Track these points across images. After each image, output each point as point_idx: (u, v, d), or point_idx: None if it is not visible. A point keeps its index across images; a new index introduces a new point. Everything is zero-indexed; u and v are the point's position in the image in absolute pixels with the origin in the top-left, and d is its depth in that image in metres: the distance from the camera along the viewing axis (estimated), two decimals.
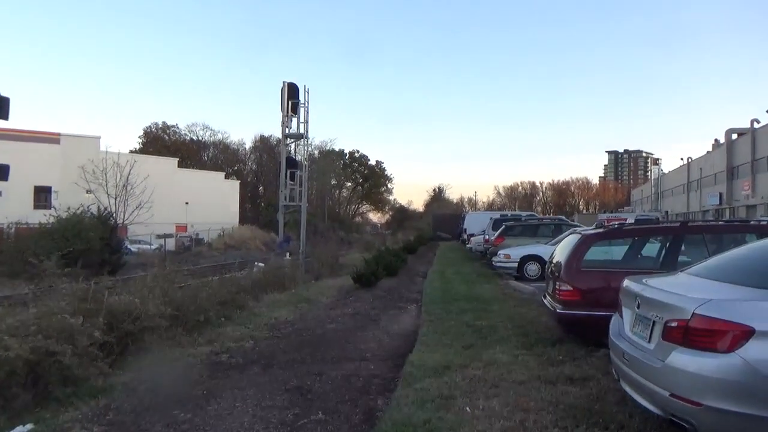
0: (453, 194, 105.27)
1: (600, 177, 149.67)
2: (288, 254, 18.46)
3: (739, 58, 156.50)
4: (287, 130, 17.75)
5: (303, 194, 18.01)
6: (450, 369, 5.91)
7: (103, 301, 6.48)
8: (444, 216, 64.57)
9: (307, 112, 17.93)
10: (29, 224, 26.27)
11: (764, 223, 7.53)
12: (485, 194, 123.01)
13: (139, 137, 72.72)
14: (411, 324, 9.32)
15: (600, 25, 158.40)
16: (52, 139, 42.94)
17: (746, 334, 3.29)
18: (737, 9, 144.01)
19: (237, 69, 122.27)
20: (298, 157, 19.91)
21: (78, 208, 25.19)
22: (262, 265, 15.65)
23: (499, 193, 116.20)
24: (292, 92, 17.31)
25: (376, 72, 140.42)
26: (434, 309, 10.30)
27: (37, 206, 36.88)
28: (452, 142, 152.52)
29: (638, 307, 4.19)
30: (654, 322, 3.90)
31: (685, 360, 3.48)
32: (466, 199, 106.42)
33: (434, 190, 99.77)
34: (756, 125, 46.11)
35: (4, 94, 19.98)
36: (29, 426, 4.62)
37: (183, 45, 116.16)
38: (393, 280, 15.06)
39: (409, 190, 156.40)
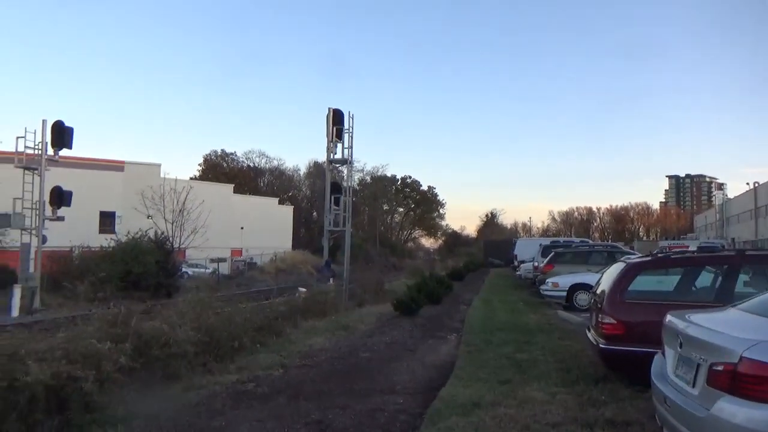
0: (506, 219, 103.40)
1: (661, 202, 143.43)
2: (331, 280, 18.40)
3: None
4: (332, 155, 17.88)
5: (347, 219, 17.95)
6: (480, 406, 5.55)
7: (131, 325, 6.49)
8: (496, 242, 63.33)
9: (352, 138, 18.02)
10: (91, 247, 27.46)
11: None
12: (540, 220, 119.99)
13: (199, 165, 75.42)
14: (448, 355, 8.95)
15: (660, 49, 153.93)
16: (117, 166, 45.03)
17: None
18: None
19: (293, 96, 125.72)
20: (348, 183, 20.00)
21: (137, 233, 26.18)
22: (304, 290, 15.61)
23: (554, 218, 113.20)
24: (336, 118, 17.47)
25: (429, 97, 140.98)
26: (474, 339, 9.89)
27: (102, 230, 38.47)
28: (506, 167, 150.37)
29: (681, 347, 3.78)
30: (698, 365, 3.48)
31: (732, 410, 3.05)
32: (519, 225, 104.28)
33: (487, 215, 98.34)
34: None
35: (67, 125, 21.25)
36: None
37: (242, 73, 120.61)
38: (436, 308, 14.68)
39: (462, 216, 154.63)
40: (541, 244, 24.39)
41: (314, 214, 74.66)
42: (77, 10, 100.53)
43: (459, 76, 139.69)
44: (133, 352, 6.20)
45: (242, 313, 9.42)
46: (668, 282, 7.16)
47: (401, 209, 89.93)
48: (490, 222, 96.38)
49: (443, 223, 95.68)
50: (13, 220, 20.58)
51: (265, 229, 54.34)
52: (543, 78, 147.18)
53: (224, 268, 42.72)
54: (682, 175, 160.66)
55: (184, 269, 34.86)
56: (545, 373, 7.08)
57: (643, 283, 6.72)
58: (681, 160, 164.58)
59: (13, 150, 20.67)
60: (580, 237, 63.28)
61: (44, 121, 20.63)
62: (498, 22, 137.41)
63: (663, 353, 4.19)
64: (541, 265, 19.81)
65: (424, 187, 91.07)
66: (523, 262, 28.86)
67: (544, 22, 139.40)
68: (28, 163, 20.53)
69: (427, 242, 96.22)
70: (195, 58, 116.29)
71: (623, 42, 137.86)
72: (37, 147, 20.52)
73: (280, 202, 65.89)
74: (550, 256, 19.37)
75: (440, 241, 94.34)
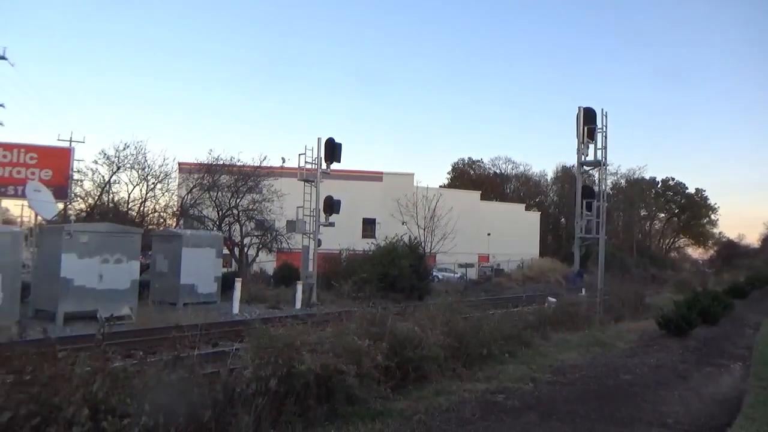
0: None
1: None
2: (583, 290, 17.19)
3: None
4: (583, 157, 16.73)
5: (601, 226, 16.56)
6: None
7: (387, 325, 6.86)
8: None
9: (605, 138, 16.58)
10: (355, 251, 30.59)
11: None
12: None
13: (448, 173, 78.63)
14: (732, 388, 7.54)
15: None
16: (377, 177, 49.50)
17: None
18: None
19: (540, 100, 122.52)
20: (600, 187, 18.59)
21: (393, 238, 28.32)
22: (554, 300, 14.87)
23: None
24: (588, 117, 16.31)
25: (692, 93, 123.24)
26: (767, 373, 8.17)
27: (365, 235, 42.65)
28: None
29: None
30: None
31: None
32: None
33: None
34: None
35: (337, 141, 24.03)
36: None
37: (489, 78, 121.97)
38: (711, 330, 12.63)
39: (740, 223, 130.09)
40: None
41: (562, 220, 71.80)
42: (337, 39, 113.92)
43: (732, 61, 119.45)
44: (388, 351, 6.53)
45: (490, 321, 9.30)
46: None
47: (662, 215, 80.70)
48: None
49: (715, 230, 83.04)
50: (297, 225, 24.00)
51: (512, 235, 53.90)
52: None
53: (471, 274, 43.60)
54: None
55: (434, 273, 36.53)
56: None
57: None
58: None
59: (296, 165, 24.15)
60: None
61: (319, 139, 23.64)
62: None
63: None
64: None
65: (691, 190, 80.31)
66: None
67: None
68: (308, 177, 23.71)
69: (695, 252, 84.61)
70: (439, 69, 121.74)
71: None
72: (314, 162, 23.62)
73: (526, 208, 64.75)
74: None
75: (711, 252, 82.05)
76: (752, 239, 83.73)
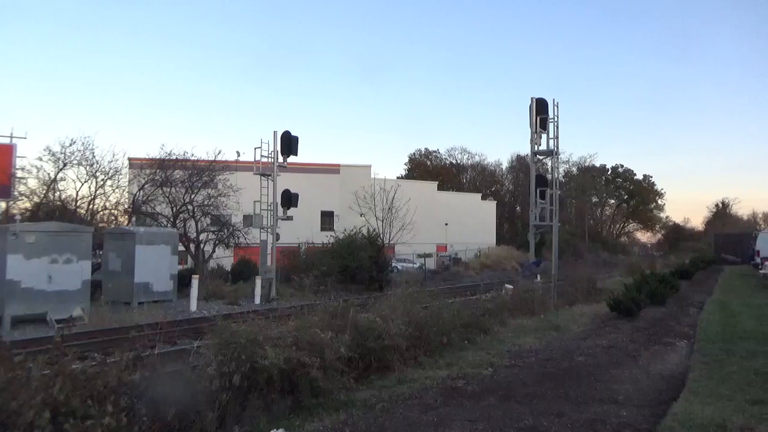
0: (742, 210, 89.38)
1: None
2: (538, 277, 17.70)
3: None
4: (536, 146, 17.17)
5: (554, 213, 17.06)
6: (726, 430, 4.77)
7: (349, 317, 6.94)
8: (729, 236, 55.25)
9: (557, 127, 17.06)
10: (314, 244, 30.49)
11: None
12: None
13: (405, 164, 79.00)
14: (678, 364, 7.96)
15: None
16: (334, 169, 49.36)
17: None
18: None
19: (495, 90, 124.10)
20: (553, 175, 19.07)
21: (352, 230, 28.36)
22: (511, 287, 15.27)
23: None
24: (540, 108, 16.75)
25: (641, 78, 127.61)
26: (711, 348, 8.66)
27: (323, 228, 42.42)
28: (740, 148, 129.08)
29: None
30: None
31: None
32: (759, 216, 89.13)
33: (716, 205, 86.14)
34: None
35: (293, 134, 23.84)
36: (281, 431, 5.10)
37: (445, 71, 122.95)
38: (659, 310, 13.21)
39: (685, 207, 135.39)
40: None
41: (518, 208, 73.27)
42: (299, 32, 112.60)
43: (675, 50, 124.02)
44: (351, 343, 6.63)
45: (450, 309, 9.51)
46: None
47: (612, 201, 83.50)
48: (721, 213, 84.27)
49: (662, 215, 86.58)
50: (254, 220, 23.72)
51: (469, 224, 54.77)
52: None
53: (430, 264, 44.05)
54: None
55: (393, 264, 36.72)
56: None
57: None
58: None
59: (252, 159, 23.83)
60: None
61: (275, 132, 23.39)
62: None
63: None
64: None
65: (639, 177, 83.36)
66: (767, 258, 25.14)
67: None
68: (264, 170, 23.45)
69: (643, 236, 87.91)
70: (393, 60, 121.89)
71: None
72: (270, 155, 23.36)
73: (482, 198, 65.82)
74: None
75: (659, 236, 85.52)
76: (696, 222, 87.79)
